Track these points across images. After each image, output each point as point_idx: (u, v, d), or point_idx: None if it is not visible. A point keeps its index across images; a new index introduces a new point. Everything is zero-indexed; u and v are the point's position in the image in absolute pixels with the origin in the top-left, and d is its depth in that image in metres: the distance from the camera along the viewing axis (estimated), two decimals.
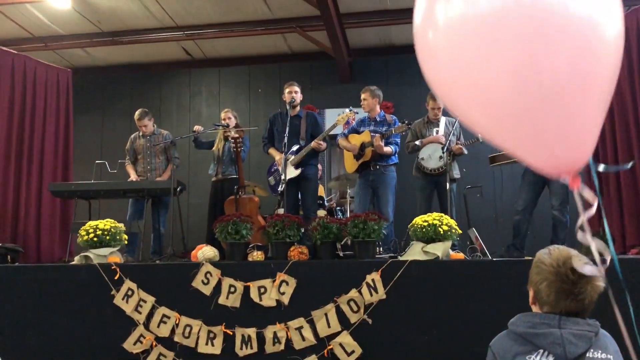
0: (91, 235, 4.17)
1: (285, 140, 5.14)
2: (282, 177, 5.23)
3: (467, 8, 1.11)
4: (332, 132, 5.48)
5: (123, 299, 3.87)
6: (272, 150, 5.52)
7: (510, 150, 1.33)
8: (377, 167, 5.37)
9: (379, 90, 5.61)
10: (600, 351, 1.60)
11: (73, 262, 4.26)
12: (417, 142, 5.48)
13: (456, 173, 5.39)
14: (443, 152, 5.13)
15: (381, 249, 4.77)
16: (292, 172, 5.32)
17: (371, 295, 3.62)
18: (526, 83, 1.11)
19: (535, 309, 1.74)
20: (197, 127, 5.96)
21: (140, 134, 6.20)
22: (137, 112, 6.16)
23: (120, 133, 8.46)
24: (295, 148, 5.39)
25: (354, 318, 3.63)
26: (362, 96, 5.57)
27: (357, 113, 5.48)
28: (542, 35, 1.05)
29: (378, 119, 5.56)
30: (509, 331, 1.72)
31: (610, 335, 1.67)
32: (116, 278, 3.91)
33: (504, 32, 1.07)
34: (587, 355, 1.58)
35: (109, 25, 7.73)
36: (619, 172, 5.03)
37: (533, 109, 1.14)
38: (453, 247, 4.07)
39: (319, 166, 6.16)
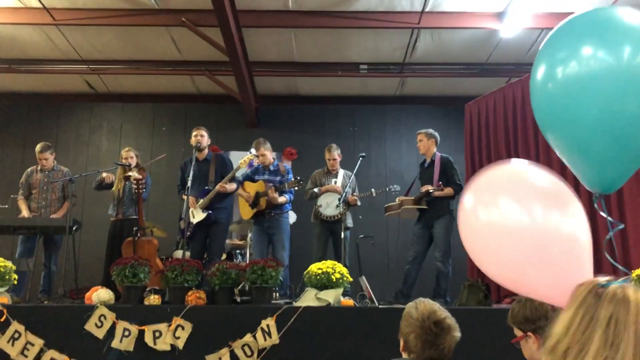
0: None
1: (189, 183, 5.23)
2: (188, 220, 5.29)
3: (491, 216, 1.59)
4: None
5: (9, 342, 3.73)
6: (185, 197, 5.54)
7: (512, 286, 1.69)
8: (272, 214, 5.60)
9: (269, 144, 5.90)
10: None
11: None
12: (315, 190, 5.84)
13: (350, 222, 5.76)
14: (339, 202, 5.49)
15: (277, 294, 4.94)
16: (200, 216, 5.39)
17: (265, 340, 3.77)
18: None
19: (405, 355, 2.01)
20: (105, 175, 5.89)
21: (39, 167, 5.98)
22: (39, 145, 5.96)
23: (11, 163, 8.09)
24: (205, 191, 5.47)
25: None
26: (262, 149, 5.80)
27: (258, 157, 5.72)
28: (540, 245, 1.51)
29: (272, 169, 5.85)
30: None
31: None
32: (2, 320, 3.77)
33: (518, 239, 1.53)
34: None
35: (6, 52, 7.47)
36: None
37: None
38: (345, 294, 4.33)
39: None
